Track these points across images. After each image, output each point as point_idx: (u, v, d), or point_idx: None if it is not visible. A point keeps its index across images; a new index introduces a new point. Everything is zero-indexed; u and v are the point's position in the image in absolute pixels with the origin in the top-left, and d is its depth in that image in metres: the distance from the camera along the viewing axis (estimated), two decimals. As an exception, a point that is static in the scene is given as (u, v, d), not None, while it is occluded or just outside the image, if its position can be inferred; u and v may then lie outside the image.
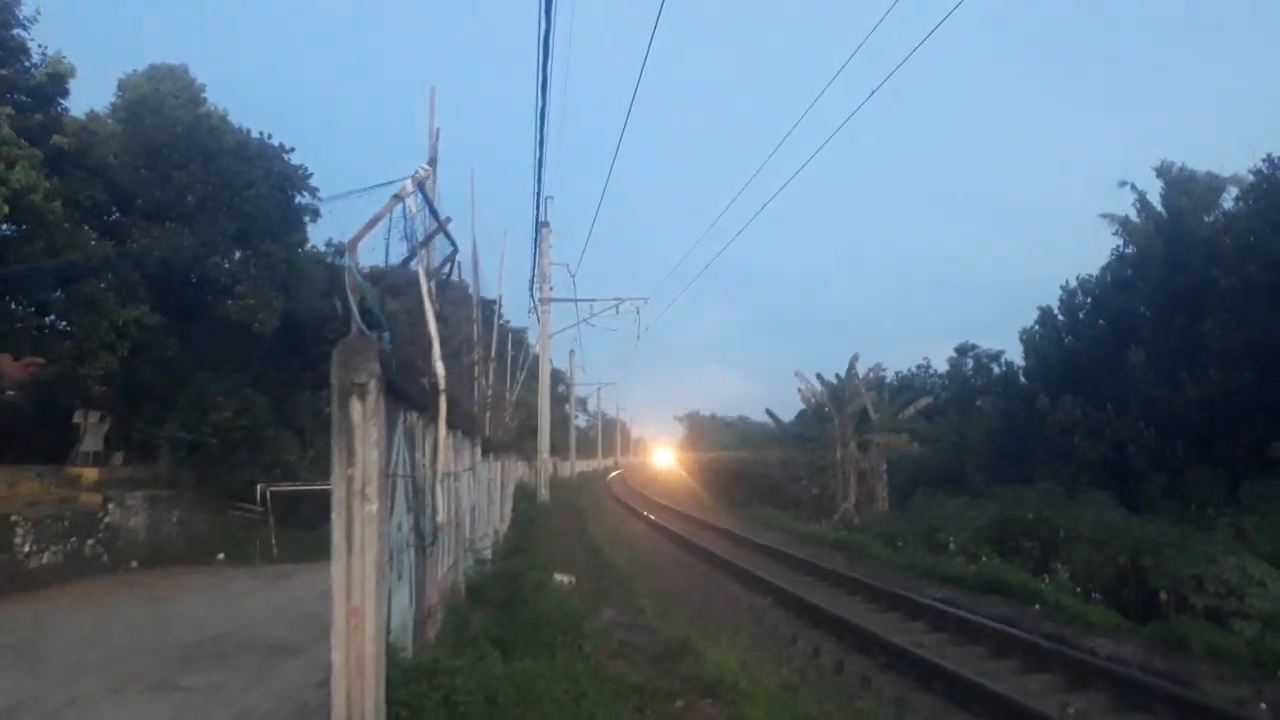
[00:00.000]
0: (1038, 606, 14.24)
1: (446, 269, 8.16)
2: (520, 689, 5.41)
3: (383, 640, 4.77)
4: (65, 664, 10.49)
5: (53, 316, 20.44)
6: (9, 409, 24.31)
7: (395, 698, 4.98)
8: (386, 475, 5.04)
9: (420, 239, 5.85)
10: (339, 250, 4.92)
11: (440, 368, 6.10)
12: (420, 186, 5.59)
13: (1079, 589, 15.48)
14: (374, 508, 4.69)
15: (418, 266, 6.00)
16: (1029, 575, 16.48)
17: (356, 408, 4.66)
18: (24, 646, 11.68)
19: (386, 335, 4.88)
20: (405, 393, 5.44)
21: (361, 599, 4.64)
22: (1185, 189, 27.93)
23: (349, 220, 5.04)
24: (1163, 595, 14.27)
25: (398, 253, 5.34)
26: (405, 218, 5.35)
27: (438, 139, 8.70)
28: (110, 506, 19.41)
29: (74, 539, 18.18)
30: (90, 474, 20.77)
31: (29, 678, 9.83)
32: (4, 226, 18.36)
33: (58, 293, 19.81)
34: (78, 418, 22.69)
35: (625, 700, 6.39)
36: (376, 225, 4.90)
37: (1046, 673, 10.63)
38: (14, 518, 16.84)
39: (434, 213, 6.49)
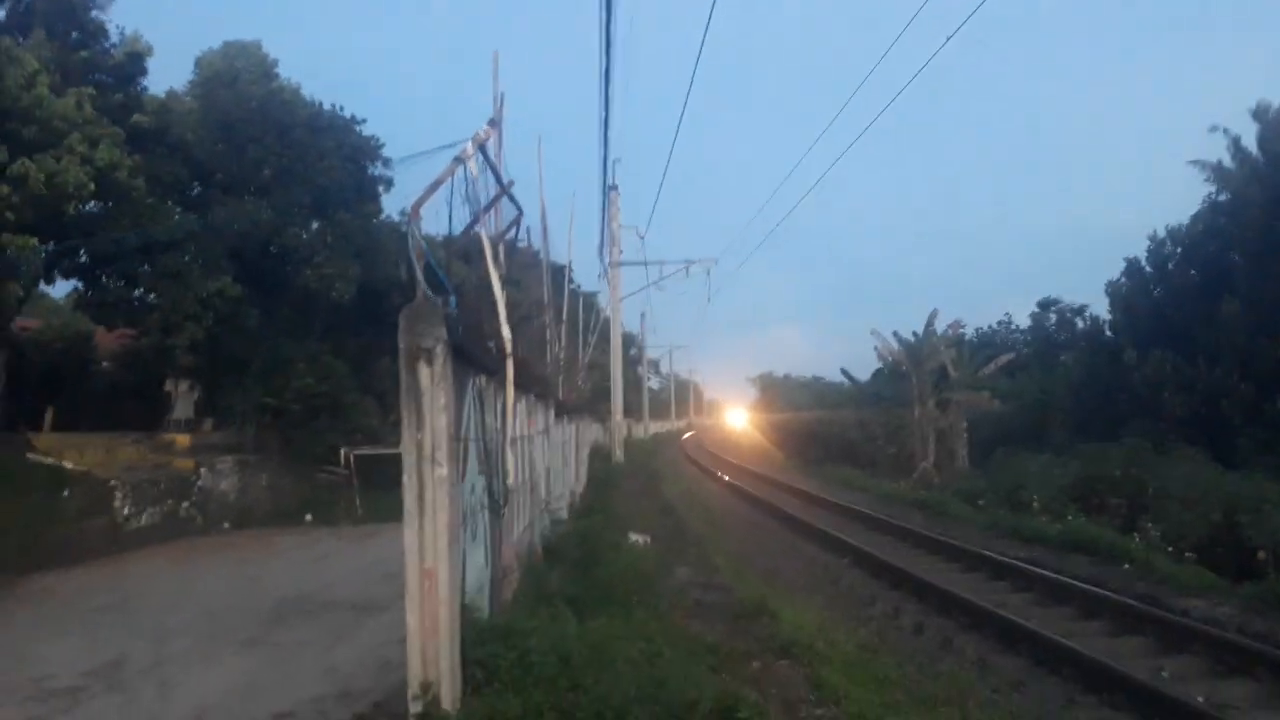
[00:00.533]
0: (1127, 566, 13.74)
1: (512, 233, 8.15)
2: (595, 649, 5.43)
3: (456, 602, 4.82)
4: (162, 621, 10.90)
5: (141, 290, 21.15)
6: (105, 379, 25.43)
7: (471, 657, 5.04)
8: (457, 439, 5.06)
9: (483, 202, 5.81)
10: (406, 216, 4.93)
11: (507, 331, 6.07)
12: (482, 148, 5.53)
13: (1171, 548, 14.90)
14: (444, 471, 4.71)
15: (481, 230, 5.97)
16: (1117, 534, 15.92)
17: (424, 372, 4.67)
18: (124, 605, 12.19)
19: (453, 299, 4.86)
20: (473, 356, 5.43)
21: (434, 561, 4.68)
22: (1283, 129, 26.29)
23: (420, 188, 5.02)
24: (1260, 554, 13.63)
25: (461, 216, 5.32)
26: (467, 180, 5.33)
27: (502, 103, 8.63)
28: (202, 470, 20.19)
29: (169, 501, 18.98)
30: (182, 440, 21.63)
31: (129, 635, 10.26)
32: (92, 204, 18.98)
33: (145, 266, 20.49)
34: (169, 386, 23.67)
35: (701, 660, 6.35)
36: (439, 188, 4.87)
37: (1139, 635, 10.19)
38: (112, 482, 17.64)
39: (497, 176, 6.45)
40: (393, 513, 5.11)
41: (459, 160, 5.15)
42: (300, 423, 22.52)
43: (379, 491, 20.57)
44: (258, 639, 10.09)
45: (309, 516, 21.18)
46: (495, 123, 6.43)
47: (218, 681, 8.36)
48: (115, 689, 8.29)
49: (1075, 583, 12.32)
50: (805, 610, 9.89)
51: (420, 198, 4.71)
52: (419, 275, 4.61)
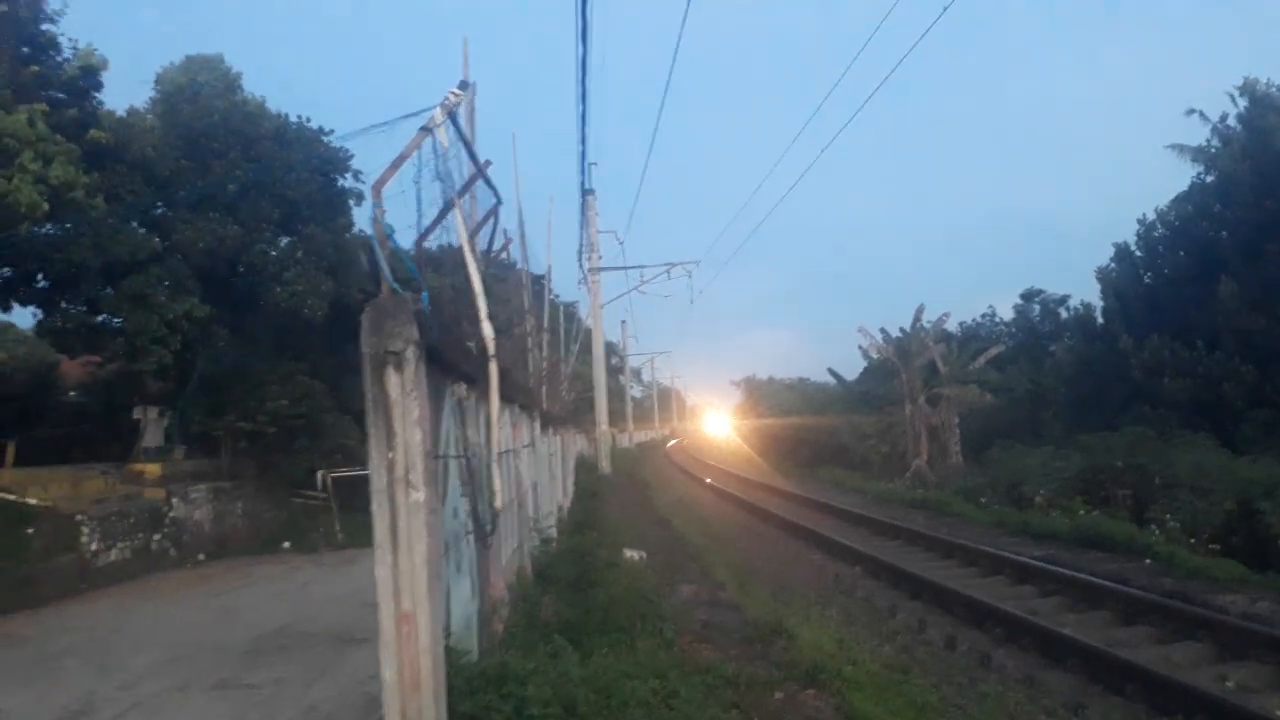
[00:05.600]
0: (1148, 561, 13.18)
1: (489, 229, 7.41)
2: (601, 692, 4.72)
3: (440, 649, 4.10)
4: (131, 663, 10.32)
5: (105, 314, 20.28)
6: (72, 409, 24.49)
7: (459, 711, 4.32)
8: (435, 456, 4.36)
9: (455, 181, 5.12)
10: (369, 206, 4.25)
11: (488, 329, 5.35)
12: (452, 116, 4.84)
13: (1192, 539, 14.34)
14: (421, 495, 4.00)
15: (457, 210, 5.24)
16: (1133, 527, 15.36)
17: (393, 380, 3.96)
18: (91, 646, 11.62)
19: (424, 295, 4.16)
20: (450, 361, 4.73)
21: (413, 603, 3.96)
22: (1273, 105, 26.02)
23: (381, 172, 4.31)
24: (1283, 542, 13.15)
25: (430, 198, 4.62)
26: (437, 153, 4.63)
27: (474, 92, 7.98)
28: (174, 501, 19.37)
29: (140, 535, 18.15)
30: (153, 469, 20.75)
31: (95, 678, 9.70)
32: (49, 226, 18.13)
33: (107, 290, 19.63)
34: (137, 414, 22.72)
35: (719, 695, 5.68)
36: (404, 164, 4.18)
37: (1190, 639, 9.47)
38: (79, 517, 16.81)
39: (471, 153, 5.73)
40: (374, 537, 4.54)
41: (426, 130, 4.45)
42: (277, 445, 21.72)
43: (359, 514, 19.80)
44: (233, 679, 9.51)
45: (287, 544, 20.40)
46: (467, 85, 5.73)
47: (189, 730, 7.76)
48: (76, 746, 7.67)
49: (1105, 583, 11.63)
50: (822, 627, 9.19)
51: (382, 175, 4.01)
52: (383, 266, 3.91)
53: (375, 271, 3.99)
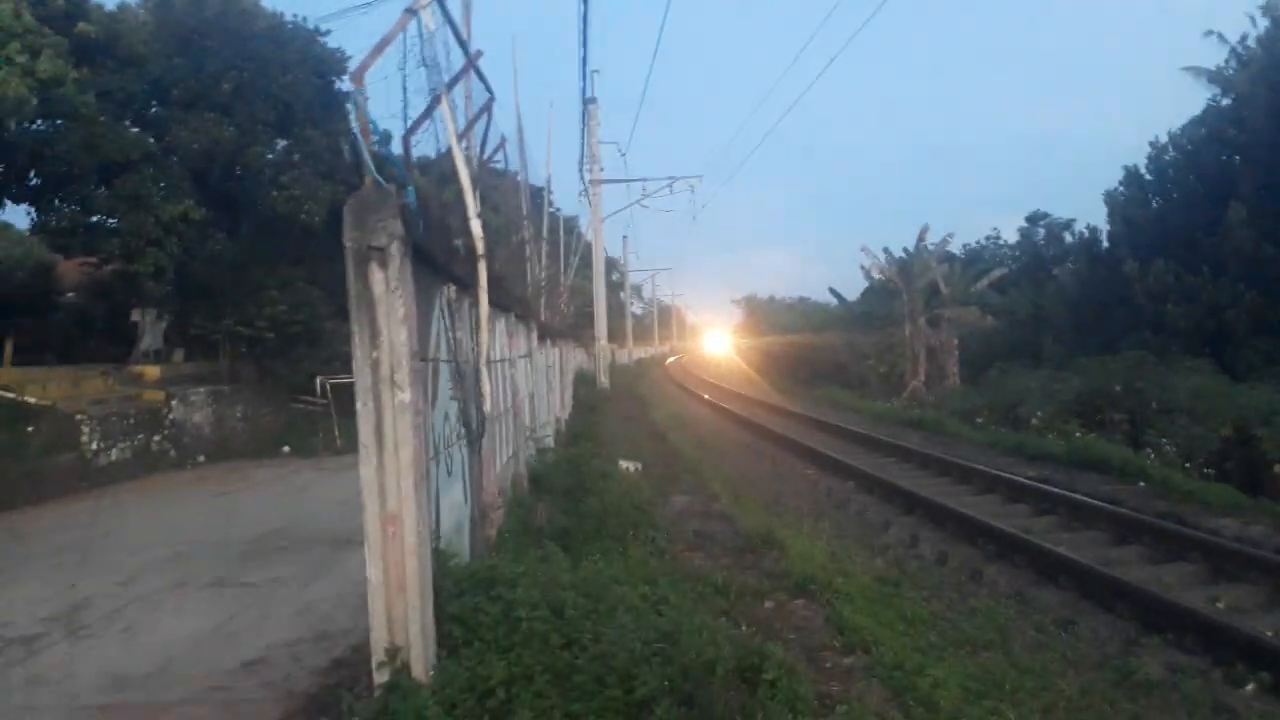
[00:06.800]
0: (1142, 484, 13.22)
1: (483, 125, 7.10)
2: (591, 597, 4.71)
3: (426, 550, 4.08)
4: (129, 560, 10.36)
5: (99, 215, 20.00)
6: (70, 310, 24.38)
7: (447, 613, 4.32)
8: (423, 358, 4.26)
9: (442, 69, 4.87)
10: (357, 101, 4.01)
11: (477, 226, 5.17)
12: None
13: (1187, 464, 14.38)
14: (407, 396, 3.92)
15: (444, 100, 4.98)
16: (1129, 451, 15.38)
17: (377, 277, 3.84)
18: (90, 543, 11.66)
19: (410, 190, 3.99)
20: (439, 261, 4.59)
21: (398, 505, 3.92)
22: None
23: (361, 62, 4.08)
24: (1277, 468, 13.14)
25: (417, 87, 4.39)
26: (423, 37, 4.39)
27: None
28: (174, 403, 19.42)
29: (140, 435, 18.24)
30: (152, 371, 20.77)
31: (94, 574, 9.74)
32: (38, 122, 17.72)
33: (101, 189, 19.30)
34: (135, 316, 22.63)
35: (709, 602, 5.70)
36: (387, 48, 3.95)
37: (1182, 560, 9.45)
38: (80, 416, 16.85)
39: (461, 42, 5.43)
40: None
41: (411, 11, 4.22)
42: (276, 351, 21.69)
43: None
44: (230, 578, 9.55)
45: (286, 448, 20.53)
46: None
47: (186, 626, 7.78)
48: (76, 636, 7.73)
49: (1100, 504, 11.60)
50: (814, 539, 9.25)
51: (364, 60, 3.80)
52: (365, 156, 3.74)
53: (358, 162, 3.82)
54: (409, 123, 4.65)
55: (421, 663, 3.96)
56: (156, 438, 18.70)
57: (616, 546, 7.19)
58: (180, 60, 20.99)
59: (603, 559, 6.34)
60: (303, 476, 17.30)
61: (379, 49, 3.91)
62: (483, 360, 5.94)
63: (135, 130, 20.20)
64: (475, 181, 5.31)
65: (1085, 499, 11.98)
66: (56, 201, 19.46)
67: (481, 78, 6.52)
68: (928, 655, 5.87)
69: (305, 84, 22.29)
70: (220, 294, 21.40)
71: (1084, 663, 6.60)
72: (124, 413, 18.10)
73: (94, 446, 16.99)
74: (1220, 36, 28.03)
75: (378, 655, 3.94)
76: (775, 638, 5.19)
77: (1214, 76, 28.27)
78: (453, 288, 5.28)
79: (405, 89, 4.30)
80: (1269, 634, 6.98)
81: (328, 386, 20.42)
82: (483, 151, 7.39)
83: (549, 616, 4.38)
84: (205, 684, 6.10)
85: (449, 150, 5.46)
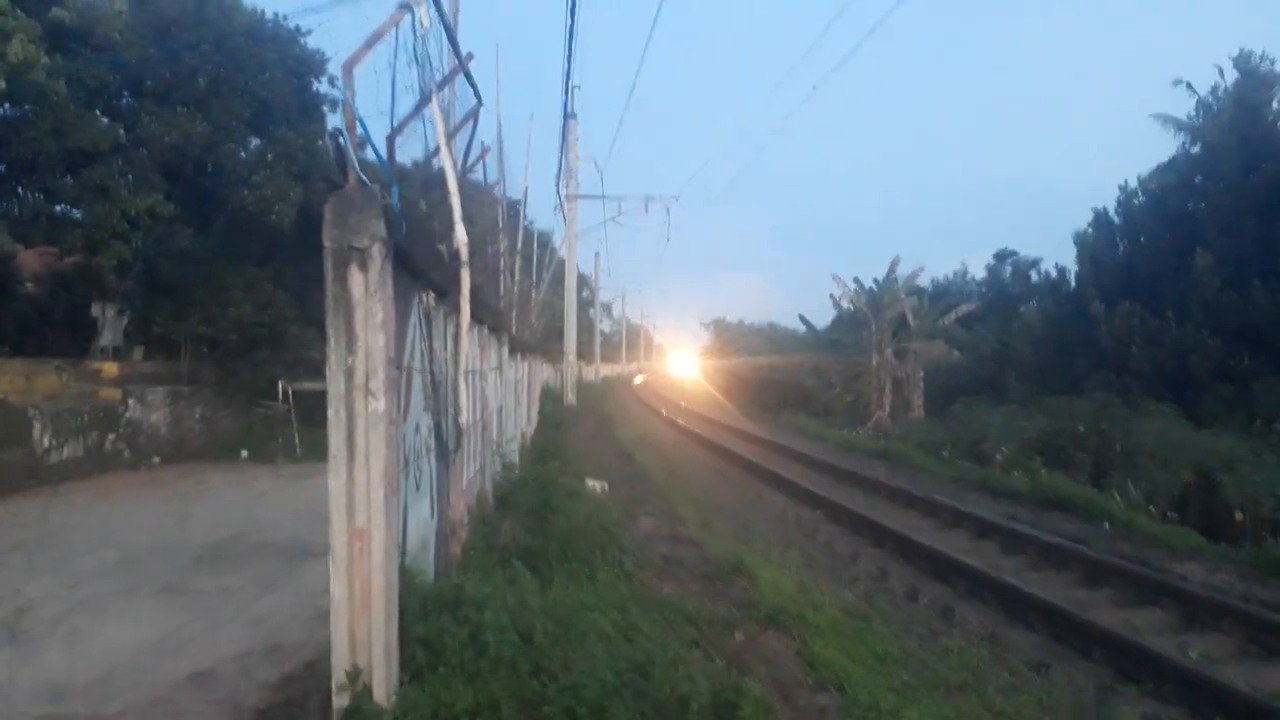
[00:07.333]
0: (1107, 525, 13.29)
1: (469, 131, 6.97)
2: (561, 623, 4.54)
3: (393, 567, 3.89)
4: (78, 563, 10.03)
5: (63, 205, 19.53)
6: (28, 301, 23.74)
7: (412, 634, 4.13)
8: (398, 366, 4.09)
9: (432, 69, 4.73)
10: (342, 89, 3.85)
11: (462, 232, 5.01)
12: (435, -4, 4.45)
13: (1151, 507, 14.49)
14: (381, 405, 3.74)
15: (434, 99, 4.84)
16: (1094, 491, 15.49)
17: (356, 279, 3.67)
18: (38, 543, 11.24)
19: (395, 190, 3.83)
20: (420, 265, 4.43)
21: (367, 519, 3.73)
22: (1264, 80, 25.78)
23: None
24: (1239, 515, 13.28)
25: (405, 85, 4.24)
26: (416, 34, 4.26)
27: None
28: (131, 401, 18.93)
29: (94, 433, 17.73)
30: (110, 368, 20.21)
31: (40, 577, 9.33)
32: (5, 106, 17.28)
33: (67, 178, 18.84)
34: (95, 310, 22.06)
35: (679, 631, 5.55)
36: (378, 42, 3.81)
37: (1153, 606, 9.43)
38: (31, 411, 16.34)
39: (453, 41, 5.30)
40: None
41: (405, 7, 4.08)
42: (238, 353, 21.24)
43: (319, 429, 19.29)
44: (181, 585, 9.22)
45: (245, 453, 20.09)
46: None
47: (133, 635, 7.49)
48: (16, 643, 7.40)
49: (1069, 544, 11.67)
50: (783, 568, 9.11)
51: (355, 53, 3.65)
52: (351, 154, 3.58)
53: (341, 159, 3.65)
54: (395, 122, 4.49)
55: (384, 686, 3.76)
56: (111, 437, 18.20)
57: (584, 569, 7.01)
58: (155, 51, 20.60)
59: (571, 583, 6.17)
60: (260, 483, 16.91)
61: (371, 42, 3.76)
62: (461, 371, 5.76)
63: (105, 120, 19.78)
64: (460, 188, 5.16)
65: (1050, 538, 12.05)
66: (20, 189, 18.99)
67: (471, 82, 6.38)
68: (902, 695, 5.73)
69: (282, 83, 21.97)
70: (185, 292, 20.94)
71: (1059, 709, 6.52)
72: (78, 409, 17.59)
73: (45, 443, 16.47)
74: (1189, 86, 28.68)
75: (338, 677, 3.74)
76: (747, 671, 5.04)
77: (1182, 125, 28.86)
78: (431, 295, 5.11)
79: (394, 86, 4.14)
80: (1245, 688, 6.94)
81: (290, 392, 20.04)
82: (466, 159, 7.24)
83: (517, 642, 4.21)
84: (149, 696, 5.85)
85: (430, 156, 5.30)
